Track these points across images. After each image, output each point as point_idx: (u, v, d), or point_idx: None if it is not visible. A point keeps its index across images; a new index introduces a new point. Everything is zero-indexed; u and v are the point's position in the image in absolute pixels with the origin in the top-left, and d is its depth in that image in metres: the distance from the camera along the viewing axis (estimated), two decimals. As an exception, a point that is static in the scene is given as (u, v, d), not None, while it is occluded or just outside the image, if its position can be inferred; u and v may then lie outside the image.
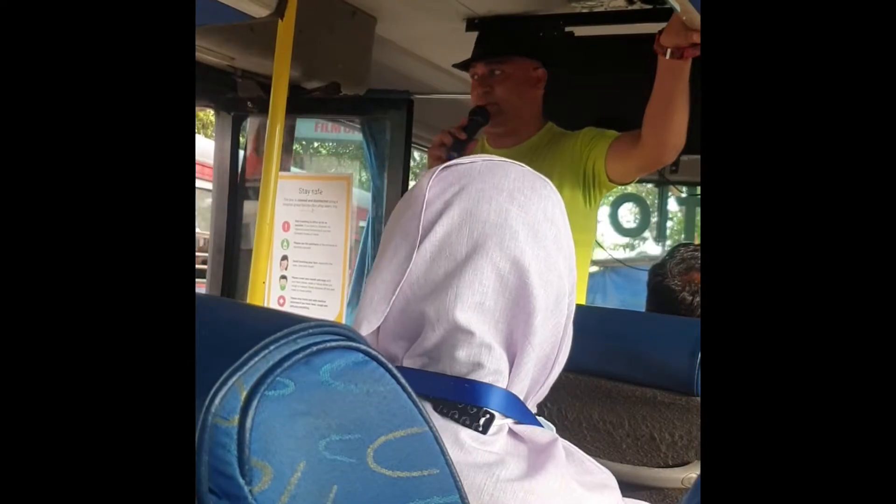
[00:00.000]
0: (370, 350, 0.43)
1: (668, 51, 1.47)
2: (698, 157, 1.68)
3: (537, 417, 0.66)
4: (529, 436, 0.61)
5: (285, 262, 2.09)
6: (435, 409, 0.60)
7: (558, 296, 0.65)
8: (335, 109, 2.20)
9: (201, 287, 2.52)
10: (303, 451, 0.39)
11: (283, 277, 2.09)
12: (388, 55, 2.16)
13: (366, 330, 0.65)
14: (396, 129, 2.00)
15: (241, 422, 0.38)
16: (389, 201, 2.03)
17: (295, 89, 1.83)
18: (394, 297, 0.64)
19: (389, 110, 2.03)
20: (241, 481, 0.37)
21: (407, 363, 0.64)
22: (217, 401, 0.38)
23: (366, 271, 2.18)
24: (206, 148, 2.89)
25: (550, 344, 0.65)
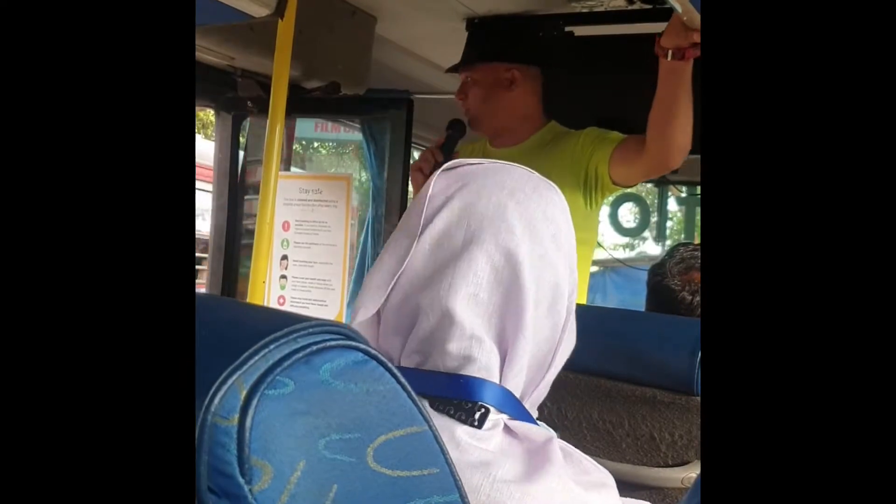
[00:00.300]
0: (370, 349, 0.43)
1: (670, 52, 1.46)
2: (698, 156, 1.67)
3: (537, 421, 0.66)
4: (525, 433, 0.61)
5: (285, 261, 2.09)
6: (431, 406, 0.60)
7: (555, 295, 0.65)
8: (335, 109, 2.20)
9: (201, 287, 2.52)
10: (303, 450, 0.39)
11: (283, 277, 2.09)
12: (388, 55, 2.16)
13: (362, 316, 0.65)
14: (396, 128, 2.00)
15: (240, 421, 0.38)
16: (389, 201, 2.03)
17: (295, 89, 1.83)
18: (391, 286, 0.64)
19: (389, 110, 2.03)
20: (241, 480, 0.37)
21: (404, 362, 0.64)
22: (217, 400, 0.38)
23: (365, 271, 2.18)
24: (204, 150, 2.89)
25: (547, 344, 0.65)
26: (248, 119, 2.15)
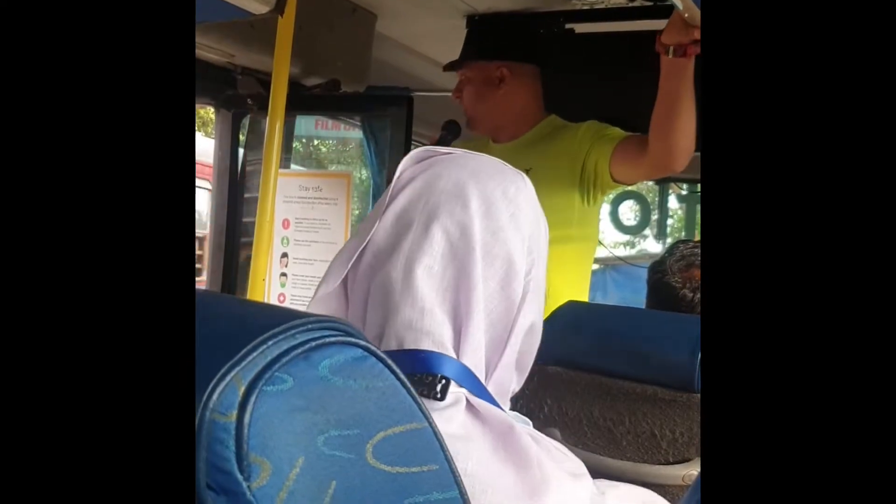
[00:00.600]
0: (369, 345, 0.43)
1: (671, 49, 1.45)
2: (698, 154, 1.66)
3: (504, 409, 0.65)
4: (486, 413, 0.61)
5: (285, 259, 2.09)
6: None
7: (508, 272, 0.65)
8: (335, 106, 2.20)
9: (201, 284, 2.52)
10: (301, 446, 0.39)
11: (284, 275, 2.09)
12: (389, 52, 2.16)
13: (323, 291, 0.67)
14: (397, 126, 1.99)
15: (239, 417, 0.37)
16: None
17: (295, 86, 1.82)
18: (352, 261, 0.66)
19: (389, 107, 2.03)
20: (240, 477, 0.37)
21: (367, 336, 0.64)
22: (215, 396, 0.37)
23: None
24: (204, 148, 2.89)
25: (502, 322, 0.65)
26: (248, 116, 2.15)
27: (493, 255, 0.64)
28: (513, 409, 0.69)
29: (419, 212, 0.65)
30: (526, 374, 0.72)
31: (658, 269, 1.47)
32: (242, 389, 0.38)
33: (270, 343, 0.39)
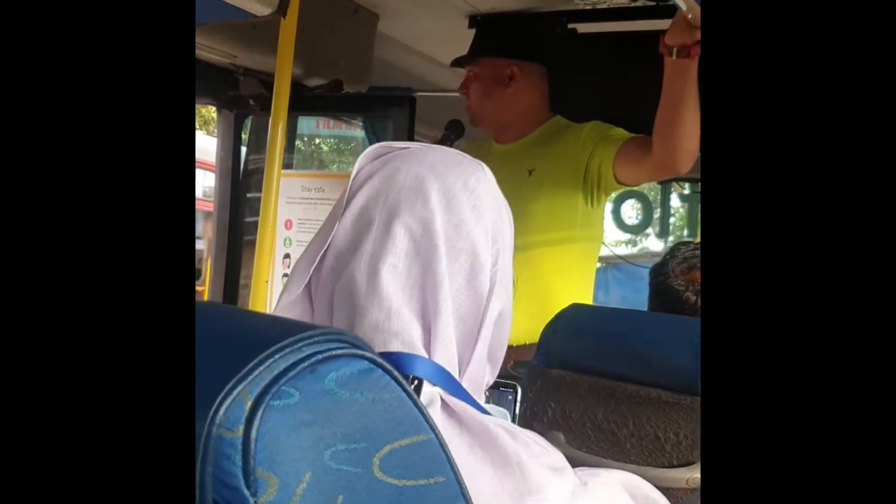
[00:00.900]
0: (375, 357, 0.43)
1: (674, 50, 1.45)
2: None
3: (480, 404, 0.64)
4: (462, 412, 0.60)
5: (287, 260, 2.08)
6: None
7: (473, 265, 0.64)
8: (337, 107, 2.19)
9: (201, 288, 2.52)
10: (308, 461, 0.39)
11: (286, 276, 2.09)
12: (391, 52, 2.15)
13: (286, 299, 0.66)
14: (399, 126, 1.99)
15: (245, 432, 0.37)
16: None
17: (297, 87, 1.82)
18: (313, 266, 0.65)
19: (391, 108, 2.03)
20: (247, 492, 0.37)
21: None
22: (222, 411, 0.37)
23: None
24: (206, 146, 2.88)
25: (471, 317, 0.64)
26: (251, 117, 2.15)
27: (457, 250, 0.63)
28: (517, 411, 0.68)
29: (379, 210, 0.64)
30: (499, 366, 0.71)
31: (660, 271, 1.46)
32: (249, 404, 0.38)
33: (277, 357, 0.39)
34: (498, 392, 1.00)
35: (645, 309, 1.54)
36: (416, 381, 0.59)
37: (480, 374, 0.67)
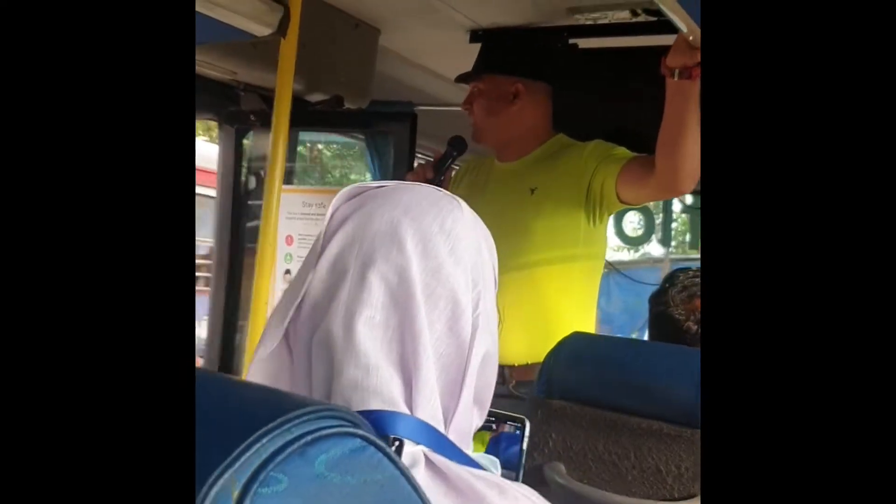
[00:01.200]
0: (368, 435, 0.42)
1: (676, 71, 1.44)
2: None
3: (469, 455, 0.62)
4: (448, 470, 0.57)
5: (288, 276, 2.08)
6: None
7: (454, 311, 0.61)
8: (338, 123, 2.19)
9: (202, 294, 2.51)
10: (297, 549, 0.38)
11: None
12: (392, 66, 2.15)
13: (261, 354, 0.63)
14: (400, 143, 1.98)
15: (233, 523, 0.36)
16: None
17: (298, 102, 1.81)
18: (288, 319, 0.63)
19: (392, 124, 2.02)
20: (234, 586, 0.36)
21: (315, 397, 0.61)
22: (209, 500, 0.36)
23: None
24: (207, 152, 2.87)
25: (455, 366, 0.62)
26: (252, 132, 2.14)
27: (436, 297, 0.61)
28: (524, 447, 0.66)
29: (354, 257, 0.61)
30: (487, 408, 0.68)
31: (660, 300, 1.44)
32: (236, 493, 0.37)
33: (265, 441, 0.38)
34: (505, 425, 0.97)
35: (646, 311, 1.53)
36: (396, 442, 0.56)
37: (467, 422, 0.64)
